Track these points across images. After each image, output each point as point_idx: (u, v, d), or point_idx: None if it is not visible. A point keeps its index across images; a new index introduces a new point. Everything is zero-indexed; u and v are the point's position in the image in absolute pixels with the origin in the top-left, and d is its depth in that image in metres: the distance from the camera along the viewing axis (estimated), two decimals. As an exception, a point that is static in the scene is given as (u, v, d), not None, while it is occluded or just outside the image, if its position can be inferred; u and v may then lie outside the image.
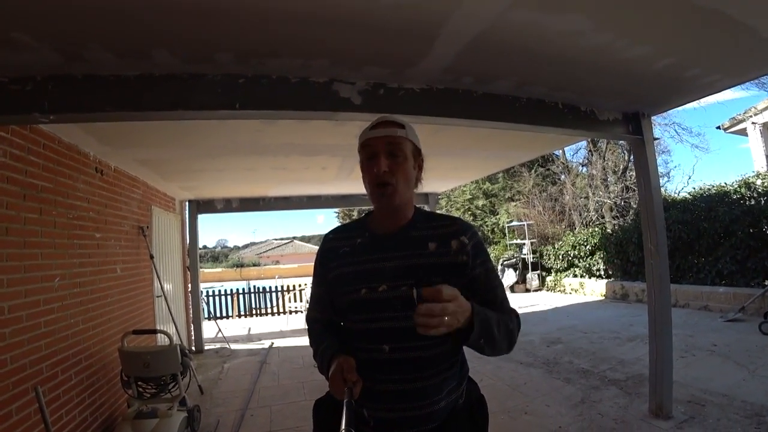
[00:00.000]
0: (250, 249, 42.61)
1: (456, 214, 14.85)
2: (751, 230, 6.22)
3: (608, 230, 9.72)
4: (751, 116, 9.10)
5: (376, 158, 1.05)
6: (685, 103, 3.04)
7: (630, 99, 2.83)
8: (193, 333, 6.23)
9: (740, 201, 6.57)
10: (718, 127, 10.03)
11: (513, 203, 13.82)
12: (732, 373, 3.62)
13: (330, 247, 1.16)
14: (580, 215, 12.51)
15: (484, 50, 1.97)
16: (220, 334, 6.55)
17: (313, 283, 1.21)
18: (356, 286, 1.05)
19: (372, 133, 1.08)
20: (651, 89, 2.63)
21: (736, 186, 6.82)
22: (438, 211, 7.78)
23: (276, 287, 10.18)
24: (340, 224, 1.28)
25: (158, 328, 4.25)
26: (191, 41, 1.72)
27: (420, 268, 1.04)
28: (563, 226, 12.42)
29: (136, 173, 4.12)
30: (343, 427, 0.83)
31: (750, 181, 6.74)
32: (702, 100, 3.09)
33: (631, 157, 11.05)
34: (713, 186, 7.31)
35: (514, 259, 11.06)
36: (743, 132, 9.54)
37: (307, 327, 1.25)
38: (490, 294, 1.09)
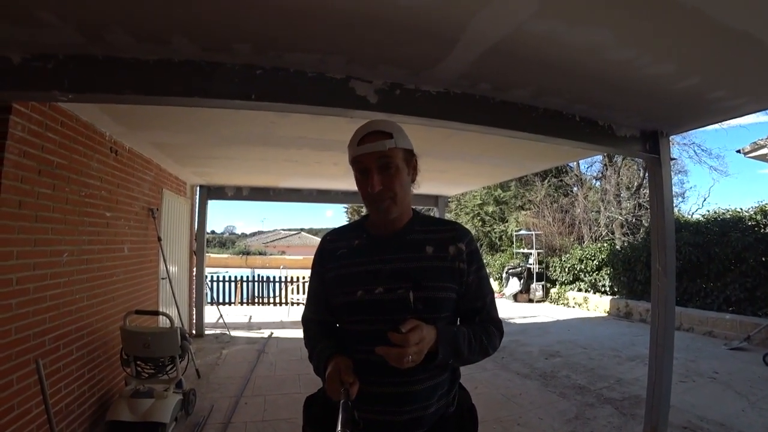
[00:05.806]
0: (257, 237, 42.85)
1: (465, 218, 14.79)
2: (763, 258, 6.11)
3: (617, 247, 9.60)
4: (773, 142, 8.89)
5: (369, 175, 1.04)
6: (706, 125, 2.98)
7: (649, 116, 2.78)
8: (194, 317, 6.30)
9: (755, 228, 6.46)
10: (738, 151, 9.81)
11: (523, 212, 13.72)
12: (731, 403, 3.55)
13: (328, 248, 1.17)
14: (590, 229, 12.37)
15: (503, 57, 1.94)
16: (221, 320, 6.62)
17: (310, 283, 1.22)
18: (353, 287, 1.06)
19: (361, 149, 1.05)
20: (672, 108, 2.58)
21: (752, 213, 6.70)
22: (436, 216, 7.75)
23: (280, 277, 10.22)
24: (338, 226, 1.29)
25: (161, 310, 4.30)
26: (210, 30, 1.72)
27: (417, 271, 1.05)
28: (572, 239, 12.30)
29: (149, 155, 4.16)
30: (338, 428, 0.82)
31: (767, 208, 6.60)
32: (724, 122, 3.04)
33: (646, 174, 10.92)
34: (728, 210, 7.19)
35: (520, 268, 10.97)
36: (764, 158, 9.30)
37: (303, 328, 1.24)
38: (479, 302, 1.12)
